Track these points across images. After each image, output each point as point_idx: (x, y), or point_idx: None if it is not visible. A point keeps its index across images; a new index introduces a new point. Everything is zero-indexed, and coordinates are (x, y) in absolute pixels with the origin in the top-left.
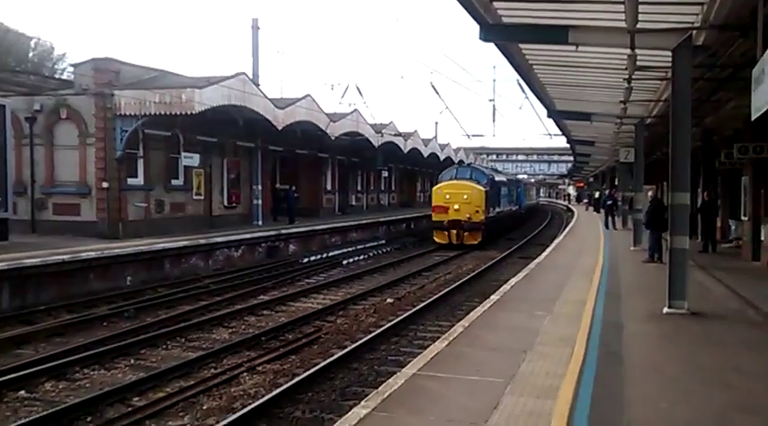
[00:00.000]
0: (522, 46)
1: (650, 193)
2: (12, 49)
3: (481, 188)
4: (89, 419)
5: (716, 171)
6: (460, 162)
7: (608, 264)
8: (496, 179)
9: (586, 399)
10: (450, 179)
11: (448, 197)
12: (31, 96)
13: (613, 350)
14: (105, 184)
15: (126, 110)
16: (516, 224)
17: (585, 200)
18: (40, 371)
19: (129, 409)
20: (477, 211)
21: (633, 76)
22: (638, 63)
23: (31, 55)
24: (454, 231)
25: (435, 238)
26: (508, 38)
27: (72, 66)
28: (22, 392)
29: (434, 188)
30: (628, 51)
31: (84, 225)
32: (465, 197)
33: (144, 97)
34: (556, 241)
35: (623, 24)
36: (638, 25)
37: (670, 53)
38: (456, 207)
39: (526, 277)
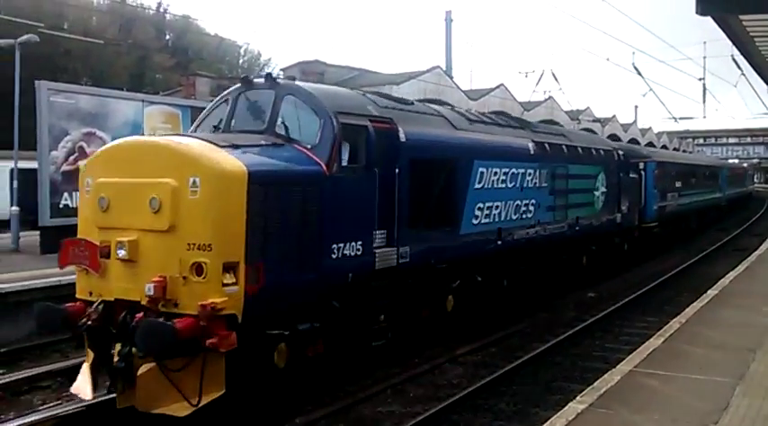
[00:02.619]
0: (742, 16)
1: None
2: (224, 57)
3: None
4: None
5: None
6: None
7: None
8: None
9: None
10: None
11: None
12: None
13: None
14: None
15: None
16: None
17: None
18: None
19: None
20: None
21: None
22: None
23: (241, 61)
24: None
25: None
26: (729, 9)
27: (281, 70)
28: None
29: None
30: None
31: None
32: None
33: None
34: None
35: None
36: None
37: None
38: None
39: (746, 270)
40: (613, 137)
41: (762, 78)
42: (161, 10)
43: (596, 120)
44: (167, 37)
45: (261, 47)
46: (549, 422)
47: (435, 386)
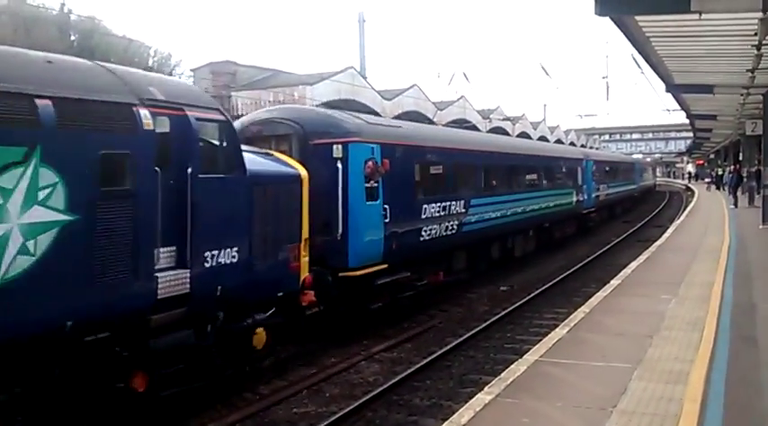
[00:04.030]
0: (638, 18)
1: None
2: (133, 59)
3: None
4: None
5: None
6: None
7: (735, 244)
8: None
9: (720, 384)
10: None
11: None
12: None
13: (747, 334)
14: None
15: (243, 111)
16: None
17: (708, 179)
18: None
19: None
20: None
21: (763, 42)
22: None
23: (150, 62)
24: None
25: None
26: (625, 10)
27: (192, 70)
28: None
29: None
30: (759, 14)
31: None
32: None
33: (259, 97)
34: (676, 222)
35: None
36: None
37: None
38: None
39: (647, 260)
40: (524, 135)
41: (659, 77)
42: (65, 10)
43: (507, 119)
44: (72, 38)
45: (171, 48)
46: (457, 414)
47: (351, 384)
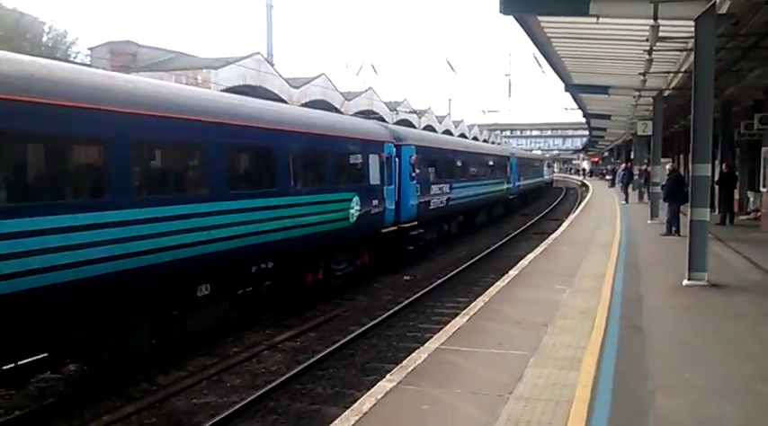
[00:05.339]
0: (540, 18)
1: (668, 166)
2: (26, 34)
3: None
4: None
5: (733, 143)
6: None
7: (626, 238)
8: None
9: (609, 370)
10: None
11: None
12: None
13: (634, 323)
14: None
15: None
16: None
17: (610, 176)
18: None
19: None
20: None
21: (654, 48)
22: (659, 34)
23: (45, 39)
24: None
25: None
26: (528, 10)
27: (89, 49)
28: None
29: None
30: (650, 22)
31: None
32: None
33: (161, 79)
34: (571, 216)
35: None
36: None
37: (692, 22)
38: None
39: (544, 251)
40: (429, 128)
41: (558, 76)
42: None
43: (413, 112)
44: None
45: (67, 25)
46: (359, 402)
47: (253, 374)
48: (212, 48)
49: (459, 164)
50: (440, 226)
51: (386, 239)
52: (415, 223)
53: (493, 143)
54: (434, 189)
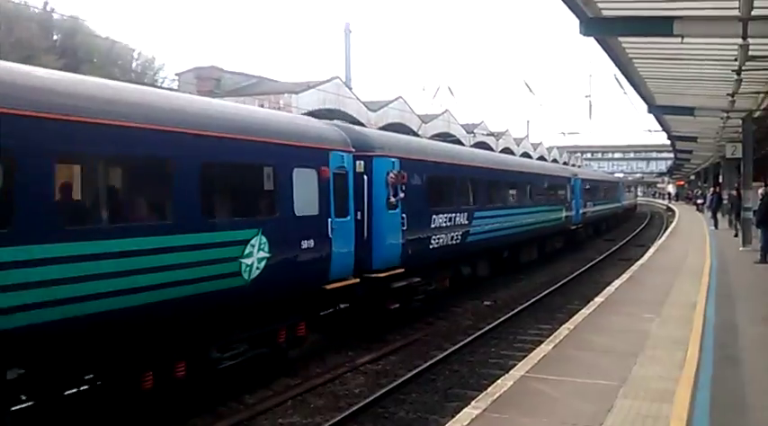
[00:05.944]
0: (621, 39)
1: (761, 190)
2: (118, 61)
3: None
4: None
5: None
6: None
7: (716, 265)
8: None
9: (705, 403)
10: None
11: None
12: None
13: (730, 353)
14: None
15: None
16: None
17: (701, 201)
18: None
19: None
20: None
21: (743, 67)
22: (749, 53)
23: (134, 65)
24: None
25: None
26: (609, 32)
27: (177, 75)
28: None
29: None
30: (739, 41)
31: None
32: None
33: (243, 103)
34: (658, 242)
35: (735, 12)
36: (753, 12)
37: None
38: None
39: (630, 278)
40: (507, 151)
41: (641, 98)
42: (47, 9)
43: (490, 134)
44: (54, 37)
45: (155, 51)
46: None
47: (336, 395)
48: (292, 71)
49: (483, 185)
50: (453, 271)
51: (339, 297)
52: (401, 270)
53: (573, 165)
54: (438, 220)
